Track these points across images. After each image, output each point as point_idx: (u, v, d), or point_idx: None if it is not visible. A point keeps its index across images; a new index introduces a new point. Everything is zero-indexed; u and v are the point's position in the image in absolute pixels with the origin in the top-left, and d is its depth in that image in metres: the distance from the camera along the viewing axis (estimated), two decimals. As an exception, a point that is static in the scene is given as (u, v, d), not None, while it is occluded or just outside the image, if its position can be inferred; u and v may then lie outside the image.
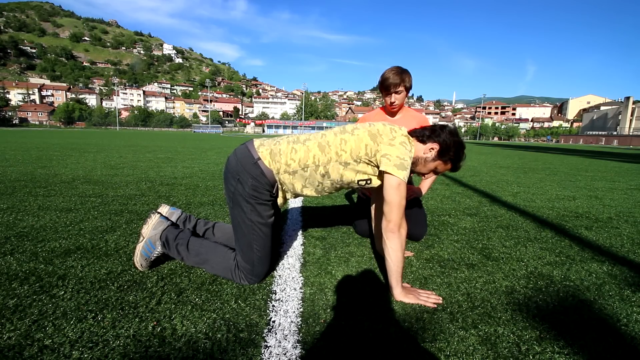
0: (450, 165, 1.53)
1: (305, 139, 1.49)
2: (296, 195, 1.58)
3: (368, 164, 1.44)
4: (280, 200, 1.54)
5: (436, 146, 1.48)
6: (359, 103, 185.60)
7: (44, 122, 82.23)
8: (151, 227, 1.61)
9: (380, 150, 1.40)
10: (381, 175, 1.44)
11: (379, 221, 1.81)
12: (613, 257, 2.00)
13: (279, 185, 1.49)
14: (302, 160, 1.44)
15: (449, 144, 1.47)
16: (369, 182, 1.49)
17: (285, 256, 1.85)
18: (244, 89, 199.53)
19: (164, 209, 1.77)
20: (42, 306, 1.24)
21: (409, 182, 2.28)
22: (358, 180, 1.49)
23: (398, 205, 1.38)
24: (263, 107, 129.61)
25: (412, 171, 1.55)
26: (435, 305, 1.36)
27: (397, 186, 1.37)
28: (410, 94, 2.17)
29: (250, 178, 1.43)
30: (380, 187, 1.70)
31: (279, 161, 1.44)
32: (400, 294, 1.39)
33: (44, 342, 1.05)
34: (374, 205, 1.90)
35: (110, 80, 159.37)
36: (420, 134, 1.51)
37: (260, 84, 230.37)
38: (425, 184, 2.20)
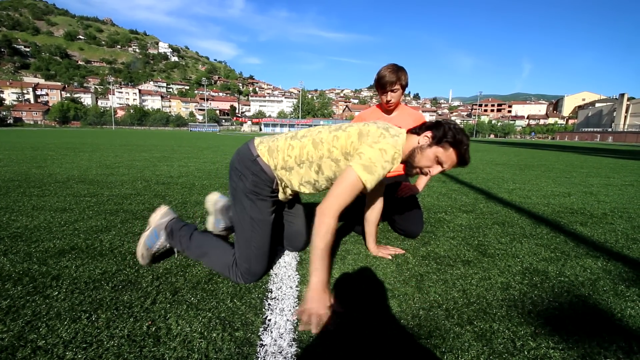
0: (454, 152, 1.37)
1: (302, 135, 1.50)
2: (295, 193, 1.57)
3: None
4: (281, 196, 1.56)
5: (430, 133, 1.40)
6: (356, 101, 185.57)
7: (39, 122, 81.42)
8: (159, 216, 1.66)
9: (359, 148, 1.35)
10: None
11: (370, 216, 1.83)
12: (607, 252, 2.01)
13: (278, 181, 1.50)
14: (297, 157, 1.45)
15: (446, 129, 1.37)
16: None
17: (281, 254, 1.85)
18: (241, 87, 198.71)
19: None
20: (35, 307, 1.23)
21: (406, 180, 2.28)
22: None
23: (342, 201, 1.29)
24: (260, 106, 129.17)
25: (414, 167, 1.44)
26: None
27: (352, 184, 1.28)
28: (407, 92, 2.17)
29: (251, 174, 1.46)
30: (375, 186, 1.70)
31: (276, 157, 1.47)
32: (315, 290, 1.24)
33: (37, 343, 1.04)
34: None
35: (106, 79, 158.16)
36: (419, 128, 1.45)
37: (257, 82, 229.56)
38: (421, 181, 2.21)
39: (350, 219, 2.30)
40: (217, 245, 1.57)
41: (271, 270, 1.64)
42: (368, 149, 1.33)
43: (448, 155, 1.38)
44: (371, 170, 1.30)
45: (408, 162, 1.45)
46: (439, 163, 1.40)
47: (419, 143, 1.41)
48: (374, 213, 1.83)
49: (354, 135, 1.40)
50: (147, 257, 1.59)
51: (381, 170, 1.32)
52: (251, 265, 1.47)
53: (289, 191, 1.56)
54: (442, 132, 1.37)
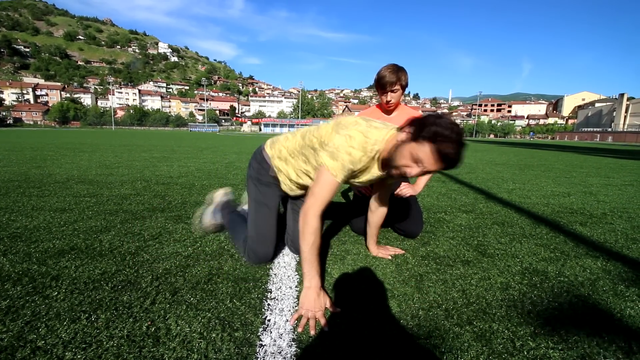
0: (430, 148, 1.15)
1: (298, 131, 1.62)
2: (299, 185, 1.62)
3: None
4: (284, 187, 1.66)
5: (410, 128, 1.23)
6: (356, 101, 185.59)
7: (39, 122, 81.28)
8: (221, 195, 2.15)
9: (332, 137, 1.34)
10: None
11: (373, 219, 1.83)
12: (607, 252, 2.01)
13: (276, 170, 1.63)
14: (289, 148, 1.56)
15: (427, 123, 1.16)
16: None
17: (281, 254, 1.85)
18: (241, 87, 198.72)
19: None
20: (35, 307, 1.23)
21: (405, 180, 2.27)
22: None
23: (322, 198, 1.30)
24: (260, 106, 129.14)
25: (393, 166, 1.29)
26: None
27: (325, 178, 1.29)
28: (406, 92, 2.17)
29: (256, 163, 1.70)
30: (381, 189, 1.71)
31: (273, 148, 1.64)
32: (308, 294, 1.28)
33: (36, 343, 1.04)
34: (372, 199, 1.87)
35: (105, 79, 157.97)
36: (404, 125, 1.30)
37: (257, 82, 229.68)
38: (421, 182, 2.20)
39: (350, 218, 2.30)
40: (243, 222, 1.82)
41: (270, 271, 1.64)
42: (336, 136, 1.32)
43: (424, 152, 1.16)
44: (335, 156, 1.28)
45: (388, 161, 1.32)
46: (416, 161, 1.20)
47: (398, 139, 1.27)
48: (377, 216, 1.82)
49: (332, 125, 1.42)
50: (204, 226, 2.07)
51: (346, 156, 1.27)
52: (253, 245, 1.64)
53: (289, 183, 1.63)
54: (421, 126, 1.18)
